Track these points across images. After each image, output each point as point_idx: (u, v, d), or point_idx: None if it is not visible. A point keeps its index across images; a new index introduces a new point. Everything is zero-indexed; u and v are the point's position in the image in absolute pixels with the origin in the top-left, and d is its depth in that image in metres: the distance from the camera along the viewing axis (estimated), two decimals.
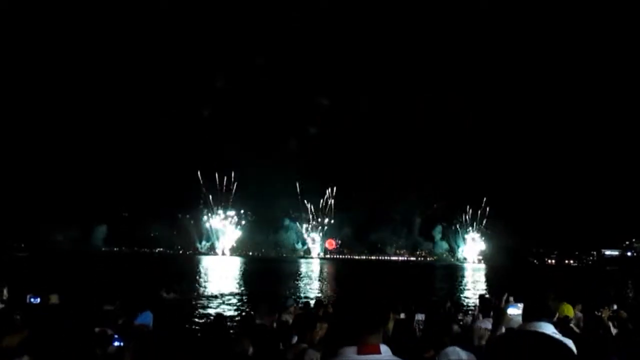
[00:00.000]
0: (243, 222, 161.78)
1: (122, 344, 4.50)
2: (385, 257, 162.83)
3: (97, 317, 7.97)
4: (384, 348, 2.18)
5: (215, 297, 29.02)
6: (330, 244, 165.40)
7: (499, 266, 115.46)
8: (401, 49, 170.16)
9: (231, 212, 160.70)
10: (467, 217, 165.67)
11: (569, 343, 3.37)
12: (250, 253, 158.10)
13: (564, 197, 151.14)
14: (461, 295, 36.35)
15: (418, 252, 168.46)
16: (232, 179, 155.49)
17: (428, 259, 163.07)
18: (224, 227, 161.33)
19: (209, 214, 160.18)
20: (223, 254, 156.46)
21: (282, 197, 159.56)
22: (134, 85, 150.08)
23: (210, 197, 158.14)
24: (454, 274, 76.20)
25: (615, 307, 9.76)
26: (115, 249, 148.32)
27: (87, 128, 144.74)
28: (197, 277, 47.10)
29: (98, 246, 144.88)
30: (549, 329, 3.51)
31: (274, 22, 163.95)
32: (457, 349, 4.04)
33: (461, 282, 55.40)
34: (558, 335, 3.29)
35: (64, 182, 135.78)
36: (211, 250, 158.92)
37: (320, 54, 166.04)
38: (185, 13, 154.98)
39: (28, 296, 7.64)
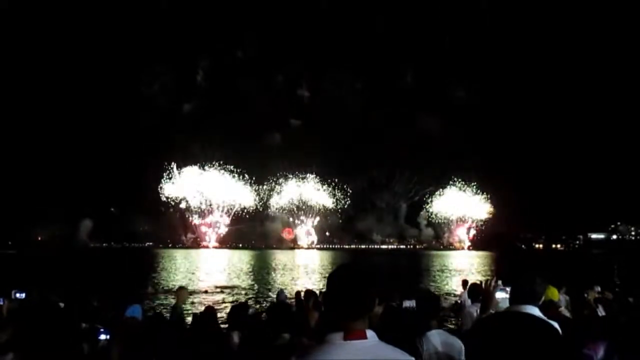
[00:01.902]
0: (228, 213, 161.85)
1: (108, 336, 4.48)
2: (375, 246, 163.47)
3: (85, 313, 7.92)
4: (370, 333, 2.20)
5: (206, 291, 28.97)
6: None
7: (488, 252, 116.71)
8: (384, 37, 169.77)
9: (216, 204, 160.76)
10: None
11: (555, 325, 3.42)
12: (240, 245, 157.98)
13: (550, 183, 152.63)
14: (449, 281, 36.74)
15: (407, 241, 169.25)
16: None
17: (417, 247, 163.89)
18: (211, 220, 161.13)
19: (194, 207, 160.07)
20: (214, 246, 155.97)
21: (266, 187, 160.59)
22: (115, 80, 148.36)
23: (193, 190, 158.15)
24: (440, 261, 76.78)
25: (599, 288, 9.92)
26: (104, 244, 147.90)
27: (69, 127, 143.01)
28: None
29: (84, 242, 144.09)
30: (535, 312, 3.55)
31: (253, 13, 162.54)
32: (442, 331, 4.08)
33: (448, 268, 55.88)
34: (544, 318, 3.32)
35: (49, 180, 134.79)
36: (195, 243, 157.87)
37: (304, 44, 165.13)
38: (160, 7, 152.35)
39: (13, 292, 7.53)
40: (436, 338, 3.92)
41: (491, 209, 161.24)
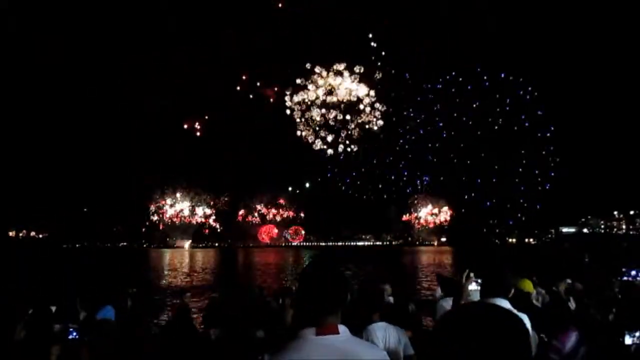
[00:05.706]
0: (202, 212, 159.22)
1: (77, 336, 4.42)
2: (352, 243, 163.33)
3: (58, 315, 7.77)
4: (342, 328, 2.21)
5: (182, 290, 28.61)
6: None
7: (461, 246, 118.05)
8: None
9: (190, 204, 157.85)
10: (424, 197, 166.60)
11: (524, 317, 3.48)
12: (217, 245, 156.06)
13: (522, 177, 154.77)
14: (422, 277, 36.98)
15: (383, 237, 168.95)
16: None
17: (393, 242, 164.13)
18: (181, 219, 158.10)
19: (163, 205, 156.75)
20: (189, 246, 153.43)
21: (239, 184, 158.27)
22: (86, 80, 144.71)
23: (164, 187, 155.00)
24: (413, 256, 77.36)
25: (569, 280, 10.09)
26: (77, 245, 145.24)
27: (39, 127, 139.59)
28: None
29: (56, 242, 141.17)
30: (504, 304, 3.61)
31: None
32: (386, 324, 4.07)
33: (420, 263, 56.46)
34: (513, 310, 3.38)
35: (19, 181, 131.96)
36: (164, 243, 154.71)
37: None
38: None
39: None
40: (378, 331, 3.89)
41: (463, 205, 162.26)
